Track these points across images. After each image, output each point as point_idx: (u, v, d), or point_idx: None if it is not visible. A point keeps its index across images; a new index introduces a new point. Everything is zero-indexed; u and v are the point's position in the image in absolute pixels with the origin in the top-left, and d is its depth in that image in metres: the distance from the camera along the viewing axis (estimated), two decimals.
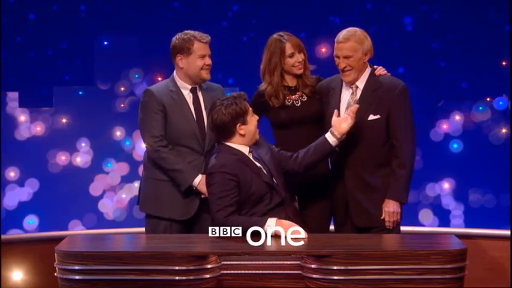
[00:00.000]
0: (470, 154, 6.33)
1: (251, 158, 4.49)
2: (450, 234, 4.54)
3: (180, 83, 4.84)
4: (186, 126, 4.78)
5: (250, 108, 4.51)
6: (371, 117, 4.69)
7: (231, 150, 4.47)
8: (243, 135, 4.48)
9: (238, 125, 4.45)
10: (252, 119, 4.49)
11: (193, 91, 4.84)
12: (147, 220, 4.87)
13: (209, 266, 3.95)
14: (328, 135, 4.57)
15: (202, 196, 4.72)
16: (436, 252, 3.93)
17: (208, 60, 4.80)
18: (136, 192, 6.20)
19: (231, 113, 4.44)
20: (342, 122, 4.55)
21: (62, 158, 6.35)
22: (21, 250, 5.88)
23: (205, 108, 4.78)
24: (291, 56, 4.81)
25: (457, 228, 6.18)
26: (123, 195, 6.40)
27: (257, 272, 3.99)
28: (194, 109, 4.82)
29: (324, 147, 4.58)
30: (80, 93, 6.43)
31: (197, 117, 4.80)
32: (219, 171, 4.39)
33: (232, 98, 4.48)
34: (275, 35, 4.85)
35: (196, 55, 4.78)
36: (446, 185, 6.34)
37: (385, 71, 4.80)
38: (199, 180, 4.70)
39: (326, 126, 4.81)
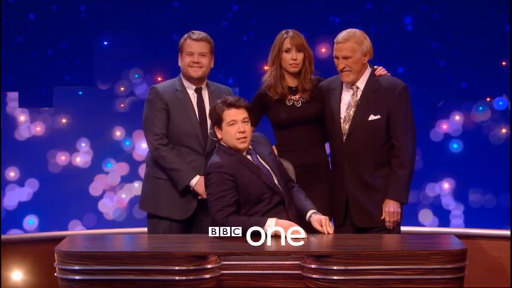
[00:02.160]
0: (470, 154, 6.33)
1: (250, 158, 4.48)
2: (450, 234, 4.54)
3: (185, 82, 4.82)
4: (188, 126, 4.77)
5: (232, 120, 4.38)
6: (371, 117, 4.69)
7: (230, 150, 4.45)
8: (220, 138, 4.47)
9: (215, 126, 4.46)
10: (229, 130, 4.40)
11: (197, 91, 4.83)
12: (148, 220, 4.87)
13: (209, 266, 3.95)
14: (310, 212, 4.44)
15: (199, 197, 4.71)
16: (436, 252, 3.93)
17: (196, 58, 4.75)
18: (136, 192, 6.23)
19: (212, 112, 4.47)
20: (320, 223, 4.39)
21: (62, 158, 6.35)
22: (21, 250, 5.87)
23: None
24: (287, 51, 4.80)
25: (457, 228, 6.18)
26: (123, 195, 6.39)
27: (257, 272, 3.99)
28: (198, 109, 4.80)
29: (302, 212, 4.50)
30: (80, 93, 6.42)
31: (200, 117, 4.79)
32: (217, 171, 4.37)
33: (223, 100, 4.44)
34: (283, 31, 4.86)
35: (185, 52, 4.76)
36: (446, 185, 6.34)
37: (386, 71, 4.80)
38: (196, 181, 4.69)
39: (326, 126, 4.82)
